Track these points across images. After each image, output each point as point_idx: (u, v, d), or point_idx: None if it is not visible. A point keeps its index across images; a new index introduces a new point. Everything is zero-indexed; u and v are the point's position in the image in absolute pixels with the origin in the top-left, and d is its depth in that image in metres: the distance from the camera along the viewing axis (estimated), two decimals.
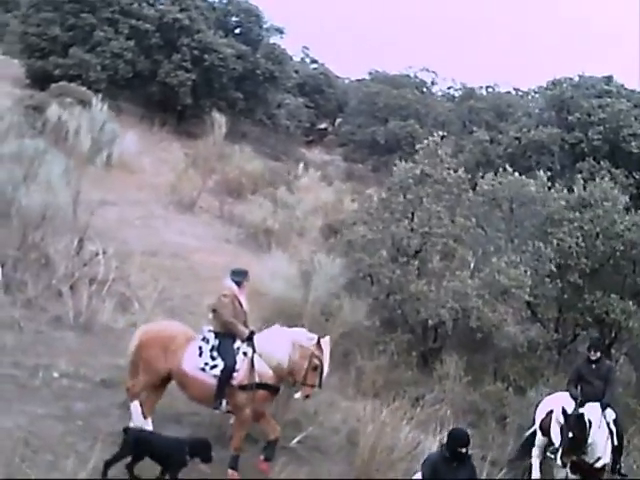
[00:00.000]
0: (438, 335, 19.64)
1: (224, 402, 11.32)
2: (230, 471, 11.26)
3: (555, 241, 20.17)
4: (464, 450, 10.04)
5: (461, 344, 19.30)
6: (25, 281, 16.55)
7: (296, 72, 57.36)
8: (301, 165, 42.99)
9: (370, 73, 65.03)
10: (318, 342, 11.38)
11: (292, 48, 62.15)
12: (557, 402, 13.77)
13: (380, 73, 64.01)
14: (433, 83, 67.11)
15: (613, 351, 22.00)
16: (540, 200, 21.13)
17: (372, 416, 13.04)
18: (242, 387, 11.23)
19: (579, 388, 13.79)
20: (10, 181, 18.95)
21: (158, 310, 16.51)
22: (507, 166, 22.30)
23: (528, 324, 21.38)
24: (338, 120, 65.98)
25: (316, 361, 11.25)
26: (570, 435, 12.66)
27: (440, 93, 67.68)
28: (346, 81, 71.76)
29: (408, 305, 18.84)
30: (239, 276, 11.95)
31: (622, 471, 13.53)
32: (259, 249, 25.87)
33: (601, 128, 37.11)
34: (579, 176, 23.64)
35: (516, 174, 21.42)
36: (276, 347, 11.37)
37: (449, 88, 68.41)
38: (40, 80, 39.26)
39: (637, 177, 35.96)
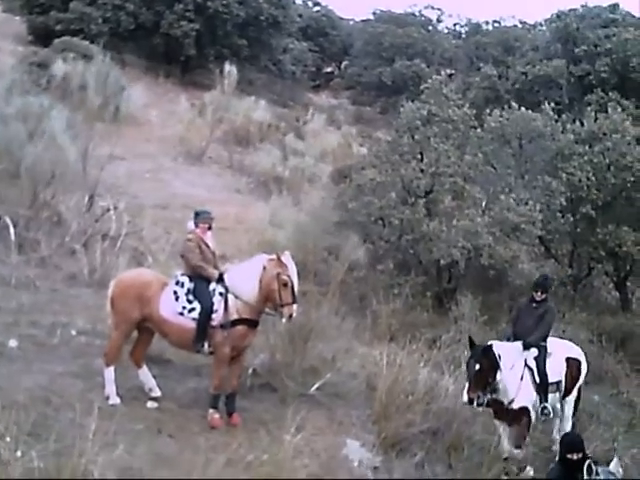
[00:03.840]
0: (452, 275, 19.69)
1: (205, 344, 11.32)
2: (210, 410, 11.29)
3: (565, 175, 20.10)
4: (575, 457, 9.20)
5: (476, 283, 19.34)
6: (38, 240, 16.56)
7: (299, 16, 56.76)
8: (303, 108, 42.80)
9: (374, 13, 64.53)
10: (279, 259, 11.31)
11: None
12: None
13: (385, 12, 63.47)
14: (439, 20, 66.71)
15: (629, 283, 22.04)
16: (549, 135, 21.02)
17: (389, 360, 13.08)
18: (222, 326, 11.22)
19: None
20: (17, 140, 18.89)
21: (172, 263, 16.50)
22: (513, 102, 22.20)
23: (542, 260, 21.43)
24: (344, 63, 65.48)
25: (284, 277, 11.15)
26: (477, 367, 11.86)
27: (446, 30, 67.19)
28: (350, 22, 71.07)
29: (420, 246, 18.85)
30: (196, 217, 11.89)
31: (545, 411, 12.61)
32: (270, 197, 25.85)
33: (608, 59, 36.71)
34: (589, 109, 23.48)
35: (522, 109, 21.29)
36: (246, 281, 11.30)
37: (455, 25, 68.06)
38: (42, 36, 38.96)
39: None
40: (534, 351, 12.60)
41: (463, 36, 65.62)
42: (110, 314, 11.58)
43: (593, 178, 20.39)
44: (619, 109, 23.11)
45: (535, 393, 12.44)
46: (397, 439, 11.87)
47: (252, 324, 11.43)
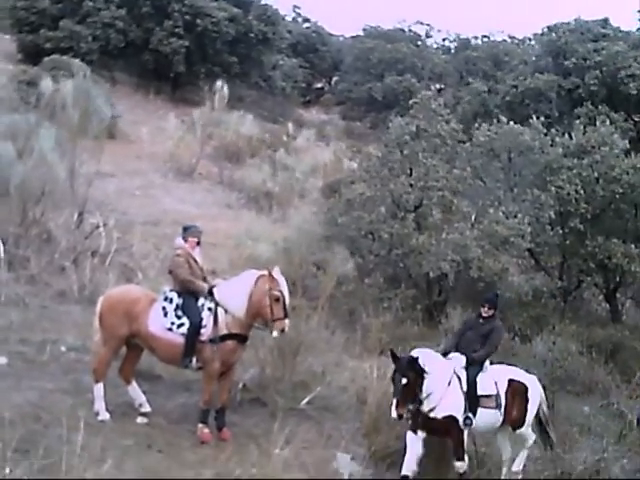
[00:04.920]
0: (442, 288, 19.72)
1: (194, 360, 11.32)
2: (200, 425, 11.30)
3: (554, 189, 20.17)
4: None
5: (466, 296, 19.34)
6: (28, 257, 16.60)
7: (289, 32, 57.03)
8: (293, 124, 42.97)
9: (364, 29, 64.96)
10: (270, 275, 11.35)
11: (283, 7, 61.95)
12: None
13: (374, 28, 63.92)
14: (428, 36, 67.16)
15: (618, 295, 22.10)
16: (537, 148, 21.10)
17: (379, 373, 13.10)
18: (211, 341, 11.22)
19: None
20: (6, 158, 18.88)
21: (162, 279, 16.50)
22: (502, 116, 22.34)
23: (532, 273, 21.49)
24: (334, 79, 65.85)
25: (276, 293, 11.21)
26: (404, 381, 11.11)
27: (435, 45, 67.64)
28: (340, 38, 71.50)
29: (410, 259, 18.87)
30: (185, 232, 11.93)
31: (467, 421, 11.71)
32: (260, 212, 25.94)
33: (598, 72, 36.84)
34: (577, 122, 23.55)
35: (511, 123, 21.37)
36: (236, 296, 11.35)
37: (444, 40, 68.47)
38: (32, 54, 39.15)
39: (637, 119, 35.81)
40: (463, 361, 11.98)
41: (452, 51, 65.95)
42: (98, 330, 11.56)
43: (582, 191, 20.44)
44: (607, 122, 23.21)
45: (463, 401, 11.75)
46: (387, 452, 11.88)
47: (241, 339, 11.45)
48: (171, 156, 30.18)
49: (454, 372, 11.78)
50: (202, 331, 11.26)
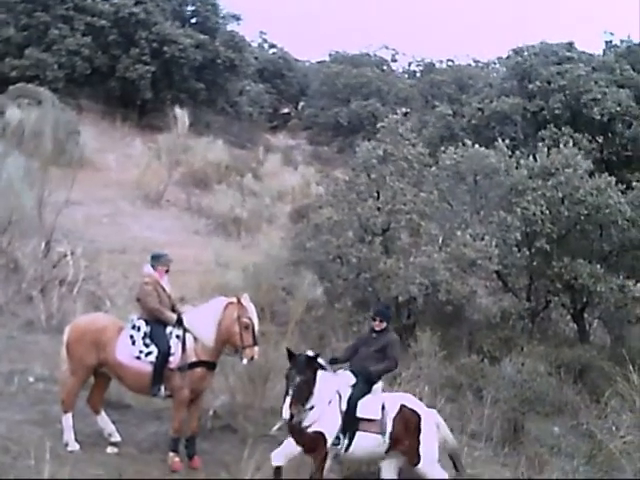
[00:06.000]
0: (411, 312, 19.76)
1: (162, 388, 11.29)
2: (171, 453, 11.26)
3: (519, 210, 20.32)
4: None
5: (434, 319, 19.41)
6: None
7: (255, 58, 57.24)
8: (260, 149, 43.09)
9: (330, 54, 65.32)
10: (239, 302, 11.38)
11: (249, 34, 62.16)
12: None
13: (340, 54, 64.35)
14: (393, 60, 67.53)
15: (586, 315, 22.24)
16: (503, 170, 21.26)
17: None
18: (180, 369, 11.21)
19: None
20: None
21: (130, 307, 16.46)
22: (468, 139, 22.52)
23: (500, 294, 21.60)
24: (301, 104, 66.09)
25: (245, 320, 11.24)
26: (300, 378, 10.65)
27: (401, 70, 68.07)
28: (306, 64, 71.78)
29: (379, 283, 18.91)
30: (155, 260, 11.92)
31: (335, 441, 11.02)
32: (229, 239, 25.92)
33: (561, 95, 37.16)
34: (540, 144, 23.78)
35: (476, 146, 21.54)
36: (205, 324, 11.35)
37: (409, 64, 68.84)
38: None
39: (600, 141, 36.12)
40: (351, 379, 11.39)
41: (418, 75, 66.41)
42: (66, 360, 11.48)
43: (547, 212, 20.61)
44: (571, 144, 23.44)
45: (340, 422, 11.07)
46: (360, 476, 11.86)
47: (210, 366, 11.44)
48: (138, 183, 30.17)
49: (337, 390, 11.21)
50: (170, 359, 11.24)
